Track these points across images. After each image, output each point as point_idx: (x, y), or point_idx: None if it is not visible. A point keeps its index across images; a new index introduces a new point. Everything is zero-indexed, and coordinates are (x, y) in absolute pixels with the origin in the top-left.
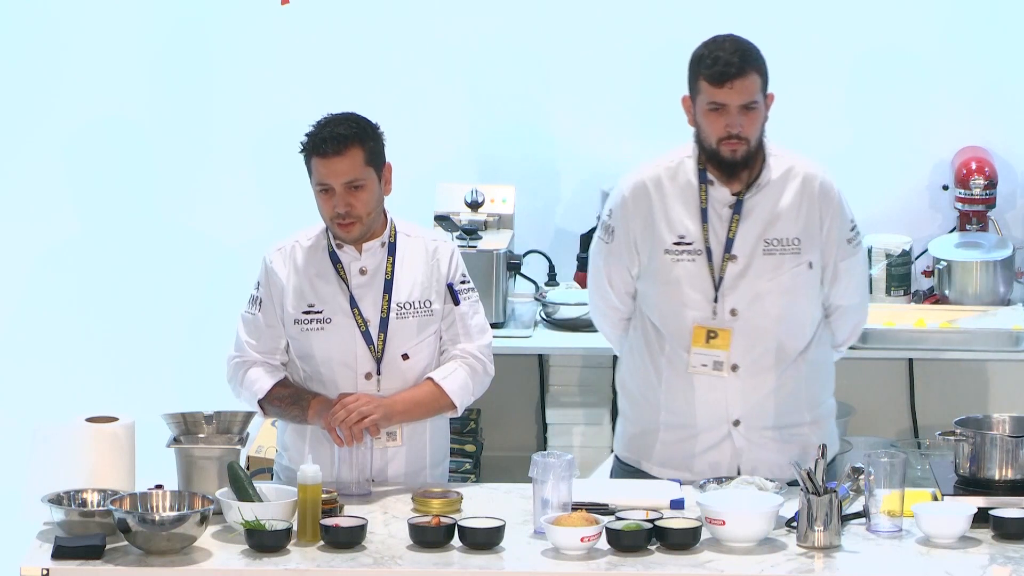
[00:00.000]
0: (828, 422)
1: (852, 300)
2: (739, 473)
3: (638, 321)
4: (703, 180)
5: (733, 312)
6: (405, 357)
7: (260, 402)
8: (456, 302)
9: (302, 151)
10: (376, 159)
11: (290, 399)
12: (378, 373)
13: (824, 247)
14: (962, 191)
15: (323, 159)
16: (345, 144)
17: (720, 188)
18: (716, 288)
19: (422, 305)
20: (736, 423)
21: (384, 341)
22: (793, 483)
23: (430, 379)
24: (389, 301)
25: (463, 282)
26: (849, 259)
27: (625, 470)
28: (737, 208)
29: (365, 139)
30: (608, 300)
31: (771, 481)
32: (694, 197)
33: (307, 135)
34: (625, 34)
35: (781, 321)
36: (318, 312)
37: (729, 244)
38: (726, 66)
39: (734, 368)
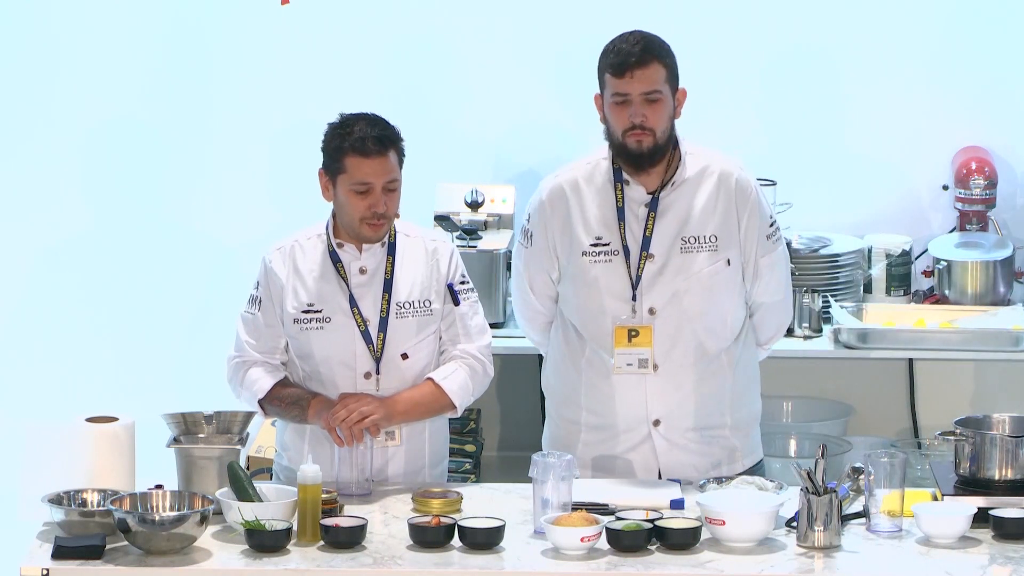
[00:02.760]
0: (751, 426)
1: (775, 297)
2: (660, 475)
3: (559, 323)
4: (618, 179)
5: (651, 311)
6: (404, 357)
7: (260, 402)
8: (456, 302)
9: (329, 147)
10: (402, 162)
11: (290, 399)
12: (377, 372)
13: (743, 244)
14: (962, 191)
15: (366, 158)
16: (387, 144)
17: (636, 187)
18: (634, 287)
19: (421, 305)
20: (656, 423)
21: (383, 340)
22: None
23: (430, 379)
24: (389, 301)
25: (463, 282)
26: (769, 255)
27: None
28: (653, 206)
29: (398, 141)
30: (530, 304)
31: (771, 481)
32: (610, 197)
33: (340, 132)
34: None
35: (700, 319)
36: (317, 311)
37: (646, 243)
38: (627, 56)
39: (655, 367)
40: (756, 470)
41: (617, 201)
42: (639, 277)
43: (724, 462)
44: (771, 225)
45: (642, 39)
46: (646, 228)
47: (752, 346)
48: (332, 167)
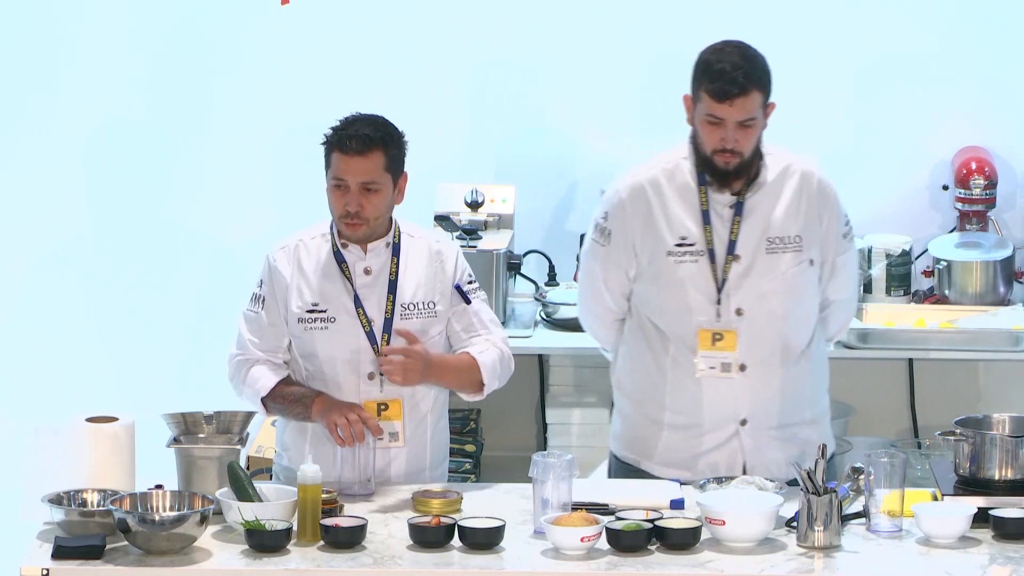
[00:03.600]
0: (825, 420)
1: (846, 294)
2: (744, 473)
3: (635, 322)
4: (702, 182)
5: (739, 312)
6: None
7: (263, 400)
8: (467, 301)
9: (324, 143)
10: (395, 166)
11: (293, 397)
12: (381, 374)
13: (823, 243)
14: (962, 191)
15: (344, 155)
16: (369, 145)
17: (720, 190)
18: (719, 289)
19: (426, 306)
20: (743, 422)
21: (388, 342)
22: (793, 483)
23: (466, 352)
24: (393, 302)
25: (470, 282)
26: (845, 254)
27: (625, 469)
28: (738, 209)
29: (389, 144)
30: (602, 302)
31: (771, 481)
32: (694, 199)
33: (332, 128)
34: (625, 35)
35: (786, 319)
36: (322, 311)
37: (732, 245)
38: (730, 84)
39: (742, 368)
40: (836, 462)
41: (702, 204)
42: (724, 280)
43: (805, 458)
44: (846, 224)
45: (744, 63)
46: (731, 231)
47: (822, 341)
48: (325, 161)
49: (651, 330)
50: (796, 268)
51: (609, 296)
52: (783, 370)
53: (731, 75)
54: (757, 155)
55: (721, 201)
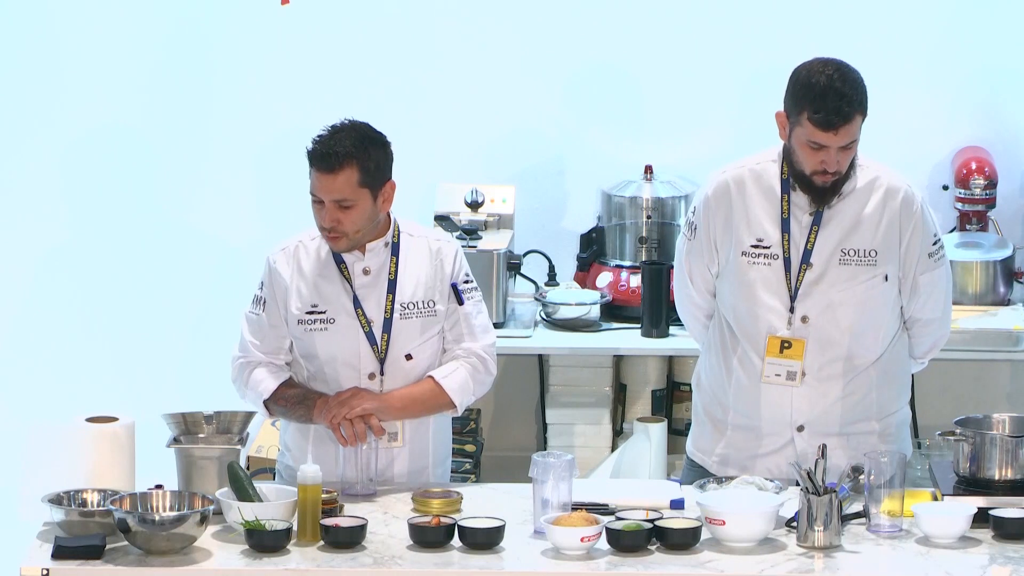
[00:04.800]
0: (899, 431)
1: (933, 314)
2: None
3: (716, 319)
4: (785, 190)
5: (804, 319)
6: (408, 357)
7: (265, 402)
8: (460, 302)
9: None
10: (372, 178)
11: (295, 399)
12: (381, 373)
13: (903, 260)
14: (962, 191)
15: (317, 172)
16: (340, 163)
17: (802, 195)
18: (792, 298)
19: (425, 305)
20: (800, 428)
21: (387, 341)
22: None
23: (430, 377)
24: (393, 301)
25: (467, 281)
26: (930, 273)
27: (693, 469)
28: (816, 218)
29: (363, 158)
30: (690, 296)
31: (771, 481)
32: (776, 203)
33: (312, 140)
34: (624, 34)
35: (852, 332)
36: (322, 312)
37: (807, 255)
38: (835, 114)
39: (801, 374)
40: None
41: (783, 212)
42: (797, 289)
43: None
44: (935, 243)
45: (848, 88)
46: (808, 240)
47: (903, 355)
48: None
49: (726, 329)
50: (868, 282)
51: (695, 290)
52: (843, 381)
53: (836, 105)
54: (850, 168)
55: (801, 206)
